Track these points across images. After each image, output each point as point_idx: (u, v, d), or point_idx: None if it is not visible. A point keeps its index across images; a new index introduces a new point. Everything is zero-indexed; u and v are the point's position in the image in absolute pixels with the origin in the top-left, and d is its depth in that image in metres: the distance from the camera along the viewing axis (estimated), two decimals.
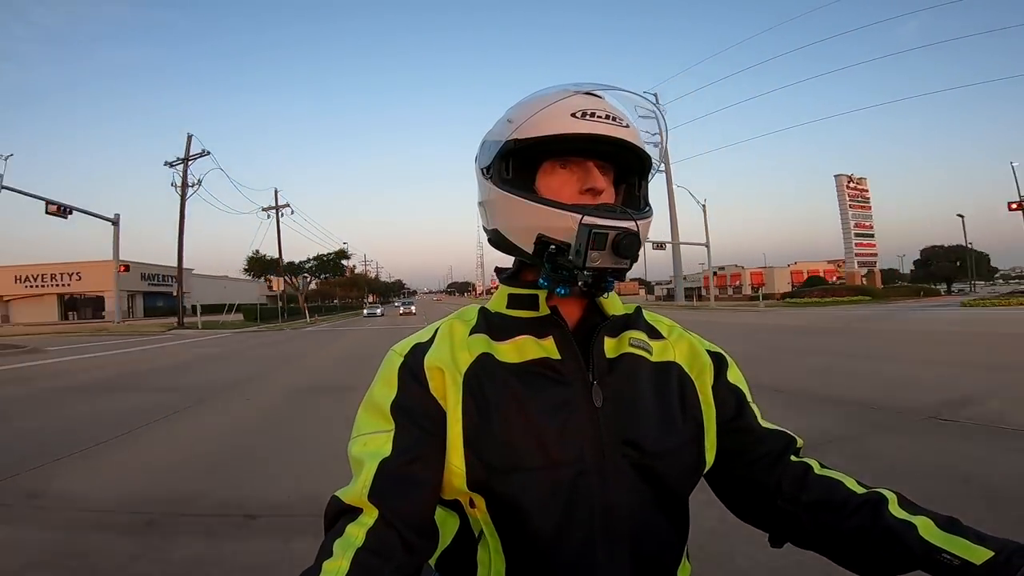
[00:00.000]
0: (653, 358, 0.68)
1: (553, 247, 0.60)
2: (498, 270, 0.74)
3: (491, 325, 0.67)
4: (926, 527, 0.55)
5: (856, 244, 40.47)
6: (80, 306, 44.91)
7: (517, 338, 0.65)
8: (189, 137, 27.66)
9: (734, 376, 0.71)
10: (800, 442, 0.68)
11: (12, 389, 7.53)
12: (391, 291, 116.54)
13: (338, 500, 0.57)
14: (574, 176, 0.63)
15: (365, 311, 46.40)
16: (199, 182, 27.16)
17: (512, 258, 0.70)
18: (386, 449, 0.58)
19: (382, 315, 41.34)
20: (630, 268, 0.61)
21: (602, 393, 0.62)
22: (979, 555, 0.51)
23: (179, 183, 26.83)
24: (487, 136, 0.68)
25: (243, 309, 35.68)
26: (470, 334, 0.66)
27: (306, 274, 44.53)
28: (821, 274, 61.39)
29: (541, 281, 0.64)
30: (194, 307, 28.76)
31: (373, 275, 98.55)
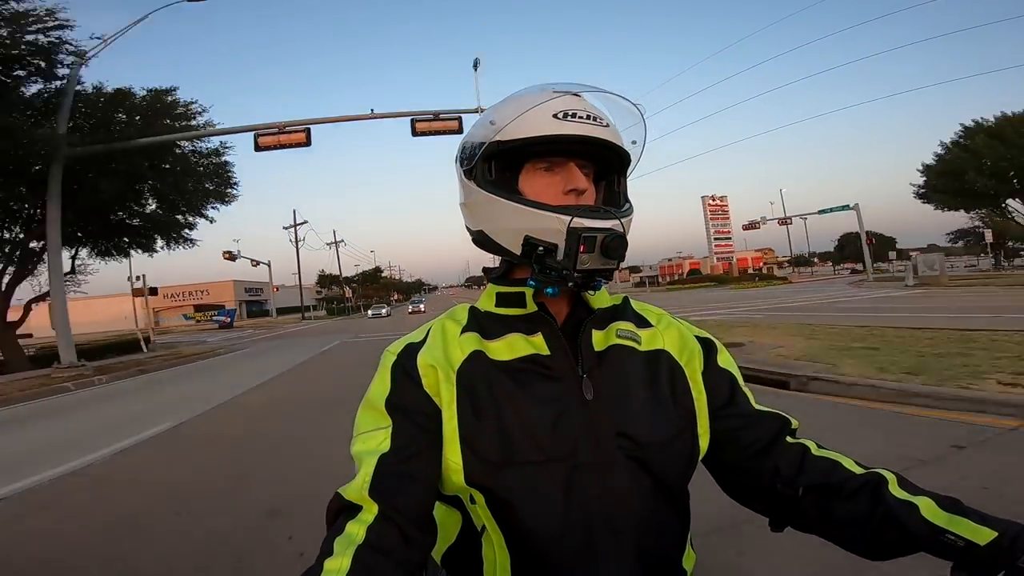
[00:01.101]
0: (642, 348, 0.68)
1: (541, 249, 0.61)
2: (486, 270, 0.74)
3: (481, 324, 0.68)
4: (928, 508, 0.55)
5: (716, 245, 59.92)
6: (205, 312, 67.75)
7: (507, 336, 0.66)
8: (294, 211, 49.46)
9: (724, 360, 0.71)
10: (795, 423, 0.68)
11: (322, 332, 28.27)
12: (412, 289, 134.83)
13: (340, 497, 0.58)
14: (557, 176, 0.64)
15: (370, 312, 42.86)
16: (304, 238, 48.95)
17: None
18: (385, 446, 0.59)
19: (388, 315, 39.21)
20: (618, 268, 0.62)
21: (592, 386, 0.62)
22: (983, 536, 0.51)
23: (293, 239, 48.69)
24: (468, 137, 0.69)
25: (325, 308, 58.00)
26: (461, 333, 0.67)
27: (355, 283, 66.70)
28: (749, 262, 79.57)
29: (530, 282, 0.64)
30: (315, 304, 50.72)
31: (397, 277, 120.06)
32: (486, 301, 0.71)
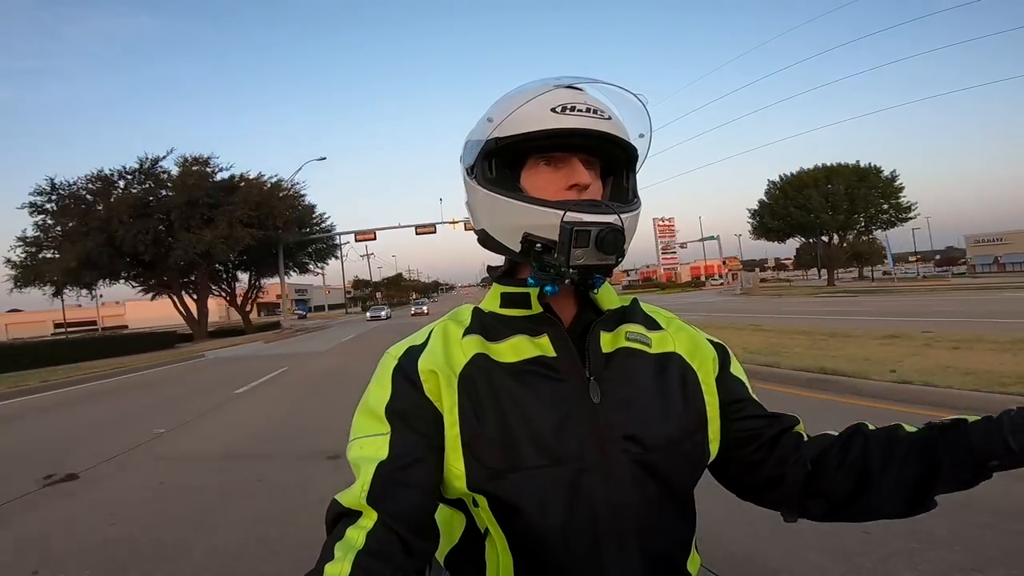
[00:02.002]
0: (652, 350, 0.67)
1: (539, 246, 0.60)
2: (490, 269, 0.73)
3: (485, 325, 0.67)
4: (899, 428, 0.60)
5: (663, 259, 75.68)
6: (261, 311, 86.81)
7: (512, 338, 0.65)
8: (340, 234, 67.41)
9: (736, 369, 0.71)
10: (801, 424, 0.69)
11: (365, 322, 45.43)
12: (429, 290, 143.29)
13: (338, 503, 0.57)
14: (559, 172, 0.63)
15: (368, 314, 42.46)
16: (347, 255, 67.22)
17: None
18: (383, 452, 0.58)
19: (388, 317, 39.08)
20: (617, 264, 0.60)
21: (600, 389, 0.62)
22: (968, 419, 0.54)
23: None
24: (469, 135, 0.68)
25: (360, 306, 76.22)
26: (464, 335, 0.66)
27: (383, 287, 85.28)
28: (715, 269, 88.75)
29: (529, 280, 0.64)
30: (348, 303, 68.71)
31: (415, 279, 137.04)
32: (491, 301, 0.70)
